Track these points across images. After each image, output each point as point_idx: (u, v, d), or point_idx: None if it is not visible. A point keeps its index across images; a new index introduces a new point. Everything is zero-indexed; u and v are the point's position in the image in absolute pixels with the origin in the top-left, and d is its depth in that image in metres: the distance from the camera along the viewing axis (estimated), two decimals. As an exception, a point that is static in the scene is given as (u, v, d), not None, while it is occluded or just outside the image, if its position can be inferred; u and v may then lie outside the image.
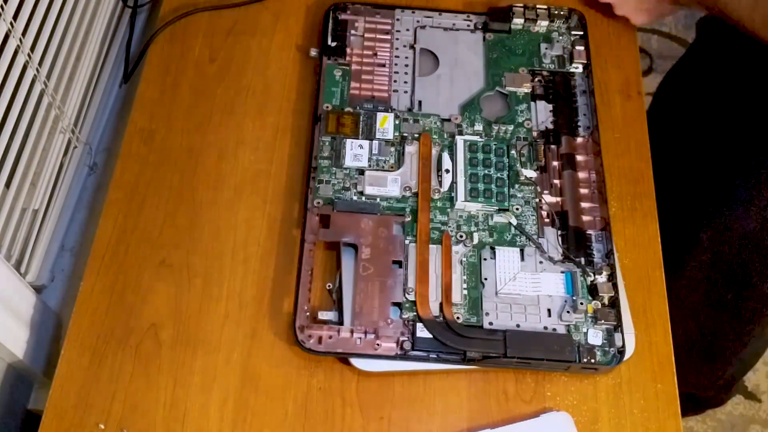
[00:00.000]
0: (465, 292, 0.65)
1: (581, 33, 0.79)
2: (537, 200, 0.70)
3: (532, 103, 0.75)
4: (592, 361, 0.63)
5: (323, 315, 0.65)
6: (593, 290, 0.66)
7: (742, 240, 0.83)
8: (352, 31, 0.78)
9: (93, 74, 0.81)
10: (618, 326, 0.64)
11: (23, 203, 0.70)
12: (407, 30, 0.79)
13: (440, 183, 0.70)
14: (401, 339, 0.63)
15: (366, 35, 0.78)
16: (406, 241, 0.67)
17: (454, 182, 0.70)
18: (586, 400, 0.64)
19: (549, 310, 0.65)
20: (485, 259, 0.67)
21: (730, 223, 0.83)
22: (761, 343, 0.99)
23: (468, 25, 0.80)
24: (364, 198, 0.69)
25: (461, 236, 0.67)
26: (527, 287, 0.66)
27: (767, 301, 0.88)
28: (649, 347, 0.67)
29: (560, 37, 0.79)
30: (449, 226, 0.68)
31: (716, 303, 0.90)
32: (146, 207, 0.70)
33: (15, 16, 0.62)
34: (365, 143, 0.71)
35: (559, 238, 0.68)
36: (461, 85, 0.76)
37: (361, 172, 0.70)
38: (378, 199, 0.69)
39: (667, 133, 0.89)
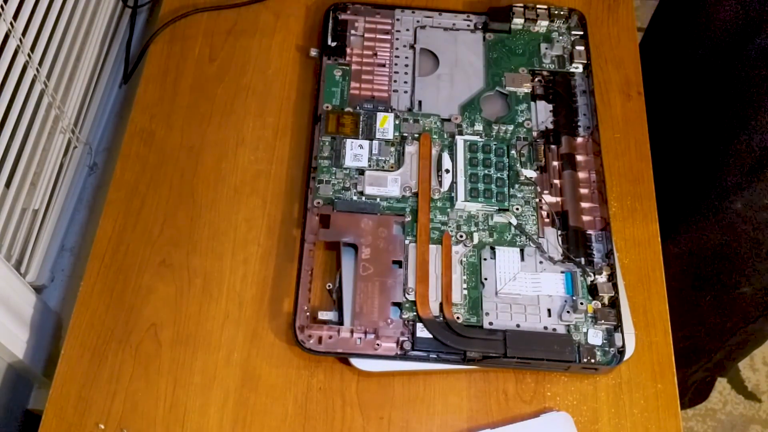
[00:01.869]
0: (465, 292, 0.65)
1: (581, 33, 0.79)
2: (537, 200, 0.70)
3: (532, 103, 0.75)
4: (592, 361, 0.63)
5: (323, 315, 0.65)
6: (593, 290, 0.66)
7: (713, 247, 0.83)
8: (352, 31, 0.78)
9: (93, 74, 0.81)
10: (618, 326, 0.64)
11: (23, 203, 0.70)
12: (407, 30, 0.79)
13: (440, 183, 0.70)
14: (401, 339, 0.63)
15: (366, 35, 0.78)
16: (406, 241, 0.67)
17: (454, 182, 0.70)
18: (586, 400, 0.64)
19: (549, 310, 0.65)
20: (485, 259, 0.67)
21: (698, 234, 0.83)
22: (740, 342, 0.99)
23: (468, 25, 0.80)
24: (364, 198, 0.69)
25: (461, 236, 0.67)
26: (527, 287, 0.66)
27: (744, 304, 0.89)
28: (649, 347, 0.67)
29: (560, 37, 0.79)
30: (449, 226, 0.68)
31: (693, 307, 0.90)
32: (146, 207, 0.70)
33: (15, 16, 0.62)
34: (365, 143, 0.71)
35: (559, 238, 0.68)
36: (461, 85, 0.76)
37: (361, 172, 0.70)
38: (378, 199, 0.69)
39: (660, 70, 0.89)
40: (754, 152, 0.75)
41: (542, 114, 0.75)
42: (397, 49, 0.78)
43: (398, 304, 0.64)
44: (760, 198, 0.76)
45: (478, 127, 0.73)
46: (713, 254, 0.84)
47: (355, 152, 0.70)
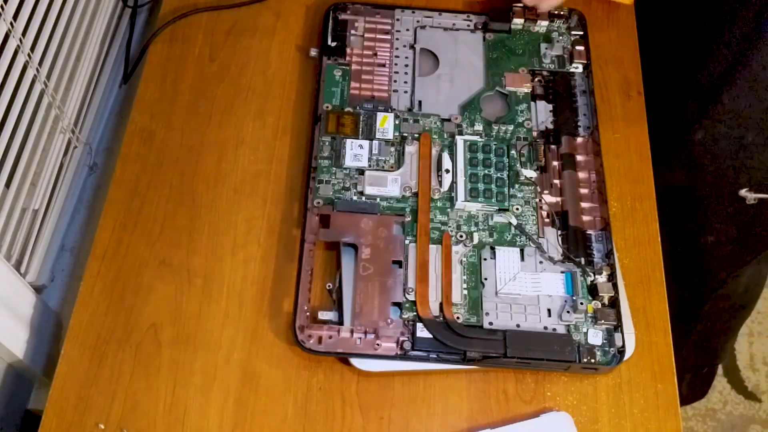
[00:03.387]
0: (465, 292, 0.65)
1: (581, 33, 0.79)
2: (537, 200, 0.70)
3: (532, 103, 0.75)
4: (592, 361, 0.63)
5: (323, 315, 0.65)
6: (593, 290, 0.66)
7: (678, 191, 0.84)
8: (352, 31, 0.78)
9: (93, 74, 0.81)
10: (618, 326, 0.64)
11: (23, 203, 0.70)
12: (407, 30, 0.79)
13: (440, 183, 0.70)
14: (401, 339, 0.63)
15: (366, 35, 0.78)
16: (406, 241, 0.67)
17: (454, 182, 0.70)
18: (586, 400, 0.64)
19: (549, 310, 0.65)
20: (485, 259, 0.67)
21: (664, 177, 0.82)
22: (716, 312, 0.99)
23: (468, 25, 0.80)
24: (364, 198, 0.69)
25: (461, 236, 0.67)
26: (527, 287, 0.66)
27: (709, 259, 0.89)
28: (649, 347, 0.67)
29: (560, 37, 0.79)
30: (449, 226, 0.68)
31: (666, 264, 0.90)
32: (146, 207, 0.70)
33: (15, 16, 0.62)
34: (365, 143, 0.71)
35: (559, 238, 0.68)
36: (461, 85, 0.76)
37: (361, 172, 0.70)
38: (378, 199, 0.69)
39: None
40: (711, 80, 0.76)
41: (542, 114, 0.75)
42: (397, 49, 0.78)
43: (398, 304, 0.64)
44: (718, 126, 0.77)
45: (478, 127, 0.73)
46: (678, 198, 0.84)
47: (355, 152, 0.70)
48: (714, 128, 0.78)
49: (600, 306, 0.65)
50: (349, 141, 0.71)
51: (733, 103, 0.76)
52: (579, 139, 0.73)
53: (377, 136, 0.71)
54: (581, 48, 0.78)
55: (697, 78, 0.79)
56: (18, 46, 0.63)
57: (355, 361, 0.63)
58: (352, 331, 0.63)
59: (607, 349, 0.64)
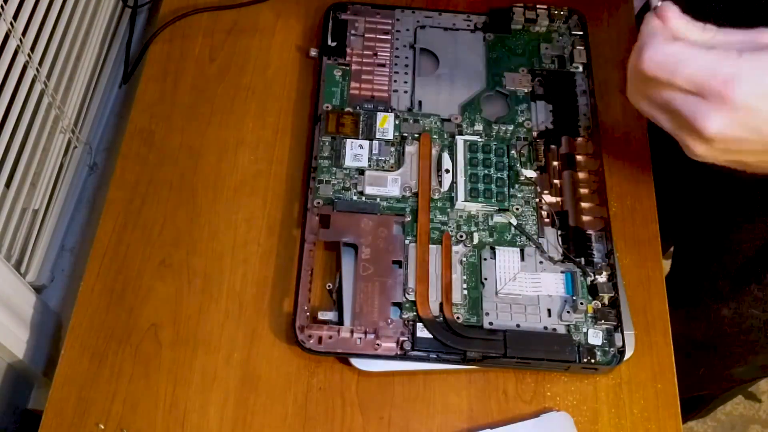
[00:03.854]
0: (465, 292, 0.65)
1: (581, 33, 0.79)
2: (537, 200, 0.70)
3: (532, 103, 0.75)
4: (592, 361, 0.63)
5: (323, 315, 0.65)
6: (593, 290, 0.66)
7: (704, 341, 0.83)
8: (352, 31, 0.78)
9: (93, 74, 0.81)
10: (618, 326, 0.64)
11: (23, 203, 0.70)
12: (407, 30, 0.79)
13: (440, 183, 0.70)
14: (401, 339, 0.63)
15: (366, 35, 0.78)
16: (406, 241, 0.67)
17: (454, 182, 0.70)
18: (586, 400, 0.64)
19: (549, 310, 0.65)
20: (485, 259, 0.67)
21: (686, 328, 0.82)
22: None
23: (468, 25, 0.80)
24: (364, 198, 0.69)
25: (461, 236, 0.67)
26: (527, 287, 0.66)
27: (737, 378, 0.89)
28: (649, 347, 0.67)
29: (560, 37, 0.79)
30: (449, 226, 0.68)
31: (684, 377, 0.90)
32: (146, 207, 0.71)
33: (15, 16, 0.62)
34: (365, 143, 0.71)
35: (559, 238, 0.68)
36: (461, 85, 0.76)
37: (361, 172, 0.70)
38: (378, 199, 0.69)
39: None
40: (739, 263, 0.75)
41: (542, 114, 0.75)
42: (397, 49, 0.78)
43: (398, 304, 0.64)
44: (747, 308, 0.76)
45: (478, 127, 0.73)
46: (703, 346, 0.83)
47: (355, 152, 0.70)
48: (742, 309, 0.76)
49: (600, 306, 0.65)
50: (349, 141, 0.71)
51: (765, 294, 0.74)
52: (579, 139, 0.73)
53: (377, 136, 0.71)
54: (581, 48, 0.78)
55: (724, 262, 0.76)
56: (18, 46, 0.63)
57: (355, 361, 0.63)
58: (352, 331, 0.63)
59: (607, 349, 0.64)
